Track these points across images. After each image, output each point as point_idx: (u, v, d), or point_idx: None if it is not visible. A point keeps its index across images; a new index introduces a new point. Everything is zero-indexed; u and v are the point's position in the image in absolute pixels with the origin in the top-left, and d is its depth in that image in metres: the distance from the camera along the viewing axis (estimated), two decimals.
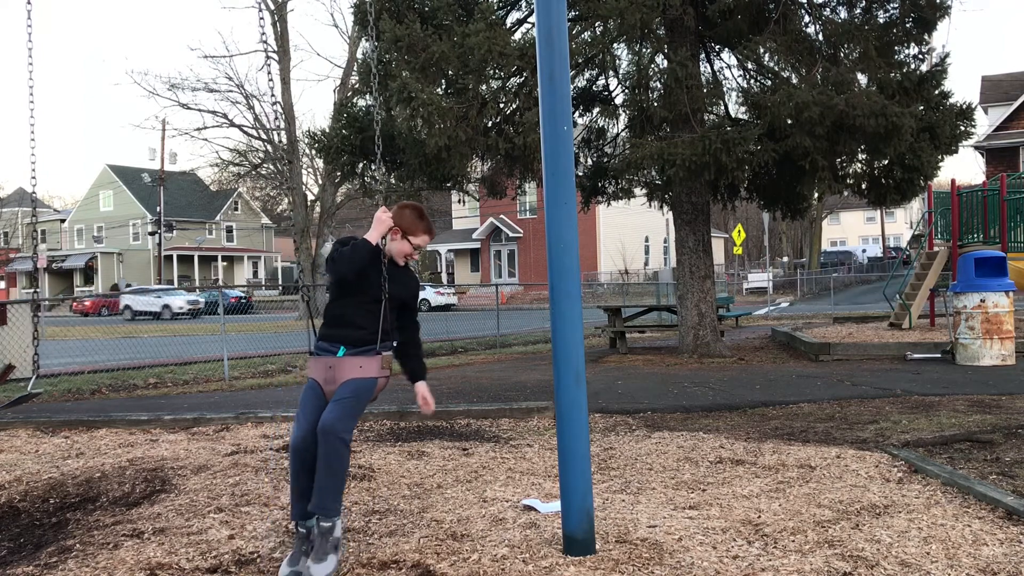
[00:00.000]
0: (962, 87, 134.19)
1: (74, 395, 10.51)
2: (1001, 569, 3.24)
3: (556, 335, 3.64)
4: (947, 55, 11.82)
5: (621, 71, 12.19)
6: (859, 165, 12.35)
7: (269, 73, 4.52)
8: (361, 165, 12.63)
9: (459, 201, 48.54)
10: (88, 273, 60.93)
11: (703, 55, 12.89)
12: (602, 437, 6.36)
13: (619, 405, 7.98)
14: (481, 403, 8.23)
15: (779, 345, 14.26)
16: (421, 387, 3.87)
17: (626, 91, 11.64)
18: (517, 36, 11.66)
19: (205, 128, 40.16)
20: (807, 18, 12.03)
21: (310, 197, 35.15)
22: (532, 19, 11.90)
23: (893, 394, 8.11)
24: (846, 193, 13.55)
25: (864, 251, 64.70)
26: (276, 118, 28.68)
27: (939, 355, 11.18)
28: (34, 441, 6.92)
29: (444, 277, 56.05)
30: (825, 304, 31.67)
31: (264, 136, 33.86)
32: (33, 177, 4.26)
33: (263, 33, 3.94)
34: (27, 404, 7.49)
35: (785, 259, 60.24)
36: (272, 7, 31.22)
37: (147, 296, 37.55)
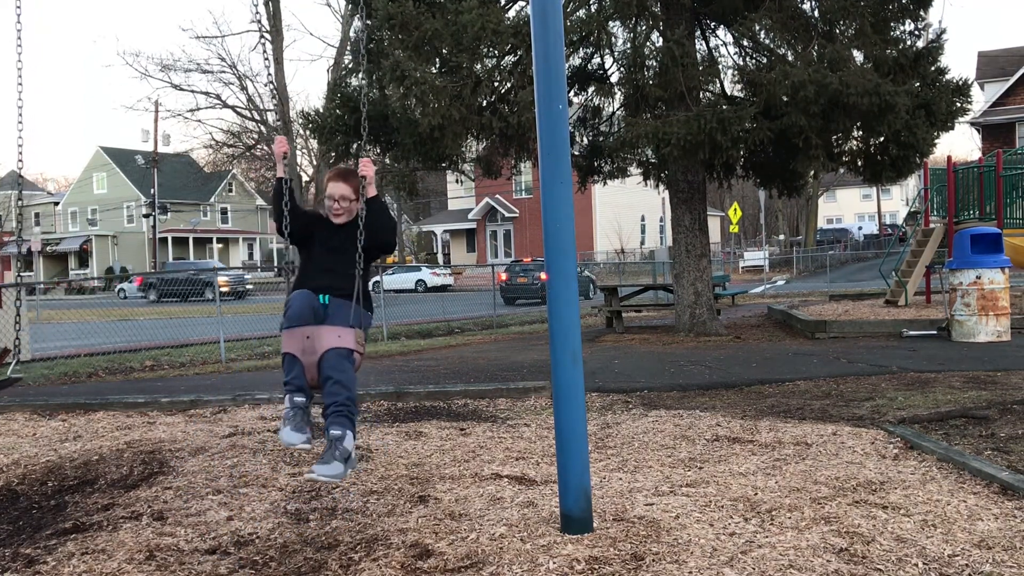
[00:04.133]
0: (958, 63, 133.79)
1: (71, 378, 10.50)
2: (996, 544, 3.26)
3: (552, 315, 3.63)
4: (943, 31, 11.78)
5: (616, 49, 12.11)
6: (854, 143, 12.31)
7: (265, 54, 4.51)
8: (355, 145, 12.57)
9: (456, 181, 48.41)
10: (83, 256, 60.75)
11: (699, 33, 12.82)
12: (599, 416, 6.37)
13: (616, 384, 7.99)
14: (478, 383, 8.24)
15: (775, 323, 14.29)
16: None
17: (621, 69, 11.57)
18: (511, 14, 11.58)
19: (199, 109, 40.04)
20: None
21: (304, 178, 35.03)
22: None
23: (889, 371, 8.14)
24: (842, 171, 13.53)
25: (860, 228, 64.74)
26: (274, 95, 28.60)
27: (935, 332, 11.21)
28: (31, 424, 6.92)
29: (440, 258, 56.00)
30: (821, 282, 31.73)
31: (258, 117, 33.69)
32: (20, 161, 4.23)
33: (257, 12, 3.92)
34: (21, 388, 7.48)
35: (781, 237, 60.25)
36: None
37: None
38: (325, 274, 4.13)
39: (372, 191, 4.22)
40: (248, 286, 35.83)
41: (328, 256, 4.17)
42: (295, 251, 4.46)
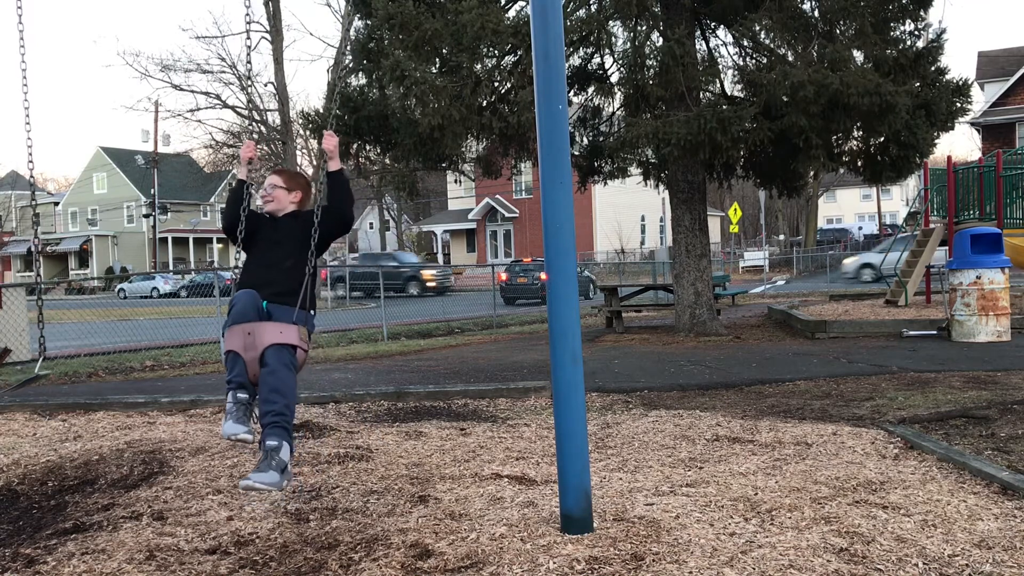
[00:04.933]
0: (959, 63, 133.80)
1: (71, 378, 10.50)
2: (996, 544, 3.26)
3: (552, 315, 3.63)
4: (943, 31, 11.77)
5: (616, 49, 12.11)
6: (854, 143, 12.31)
7: (248, 40, 4.51)
8: (355, 145, 12.57)
9: (455, 181, 48.41)
10: (83, 256, 60.76)
11: (699, 33, 12.82)
12: (599, 416, 6.37)
13: (616, 384, 7.99)
14: (478, 383, 8.24)
15: (775, 323, 14.28)
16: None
17: (621, 69, 11.56)
18: (511, 13, 11.57)
19: (199, 109, 39.89)
20: None
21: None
22: None
23: (889, 371, 8.14)
24: (842, 171, 13.53)
25: (860, 228, 64.68)
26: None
27: (935, 332, 11.20)
28: (31, 424, 6.91)
29: (440, 258, 55.99)
30: (821, 282, 31.73)
31: (258, 117, 33.66)
32: (30, 162, 4.23)
33: (248, 11, 3.94)
34: (24, 387, 7.49)
35: (781, 237, 60.23)
36: None
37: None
38: (266, 270, 4.10)
39: (335, 164, 4.26)
40: (451, 280, 33.82)
41: (269, 250, 4.15)
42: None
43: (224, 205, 4.28)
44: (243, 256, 4.25)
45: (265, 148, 34.95)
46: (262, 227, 4.28)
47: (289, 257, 4.08)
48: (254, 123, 34.00)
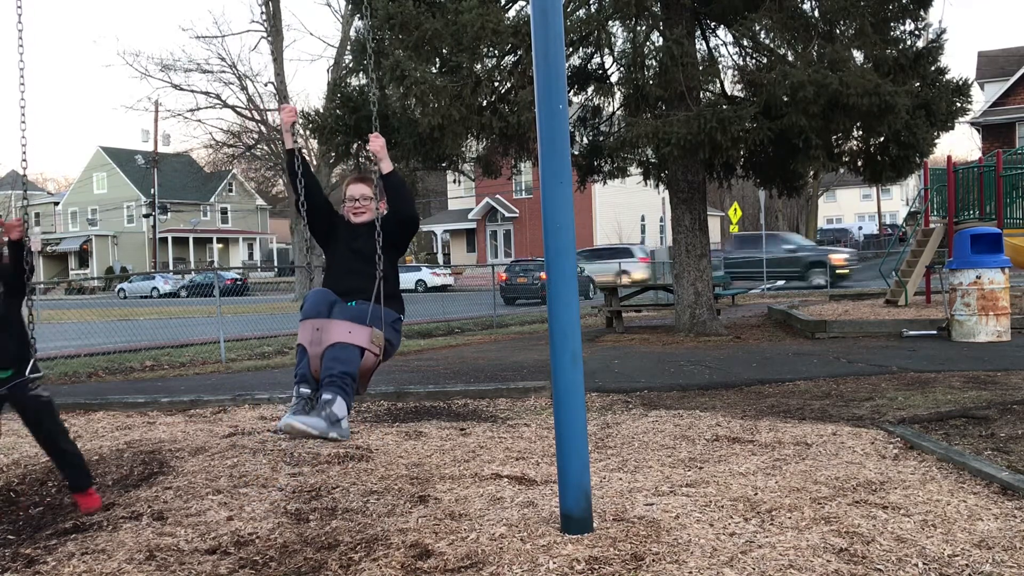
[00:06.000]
0: (959, 63, 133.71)
1: (70, 378, 10.50)
2: (996, 544, 3.26)
3: (552, 315, 3.63)
4: (943, 31, 11.76)
5: (616, 49, 12.10)
6: (854, 143, 12.31)
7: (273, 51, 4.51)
8: (355, 145, 12.57)
9: (454, 181, 48.36)
10: (83, 256, 60.75)
11: (699, 33, 12.81)
12: (599, 416, 6.37)
13: (616, 384, 7.99)
14: (478, 383, 8.24)
15: (775, 323, 14.28)
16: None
17: (621, 69, 11.56)
18: (511, 14, 11.57)
19: (199, 109, 39.88)
20: None
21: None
22: None
23: (889, 371, 8.14)
24: (842, 171, 13.52)
25: (860, 228, 64.70)
26: (275, 93, 28.62)
27: (935, 332, 11.20)
28: None
29: (440, 257, 55.98)
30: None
31: (258, 117, 33.68)
32: (24, 161, 4.22)
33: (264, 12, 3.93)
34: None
35: None
36: None
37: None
38: (350, 276, 4.07)
39: (387, 166, 4.10)
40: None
41: (352, 258, 4.09)
42: (300, 251, 4.43)
43: (287, 182, 4.35)
44: (318, 253, 4.23)
45: (265, 148, 34.97)
46: (339, 229, 4.21)
47: (371, 264, 3.99)
48: (254, 123, 34.01)
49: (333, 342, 3.80)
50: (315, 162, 34.62)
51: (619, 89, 12.10)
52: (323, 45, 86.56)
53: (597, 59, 13.09)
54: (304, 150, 36.49)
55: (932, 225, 15.22)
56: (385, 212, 4.18)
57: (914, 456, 4.68)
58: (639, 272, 27.07)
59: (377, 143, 4.10)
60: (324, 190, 4.43)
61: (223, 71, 38.88)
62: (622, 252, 29.00)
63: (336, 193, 38.05)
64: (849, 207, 78.68)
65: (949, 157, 15.31)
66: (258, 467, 4.91)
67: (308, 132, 13.21)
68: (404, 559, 3.31)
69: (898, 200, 73.18)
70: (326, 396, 3.70)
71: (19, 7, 4.05)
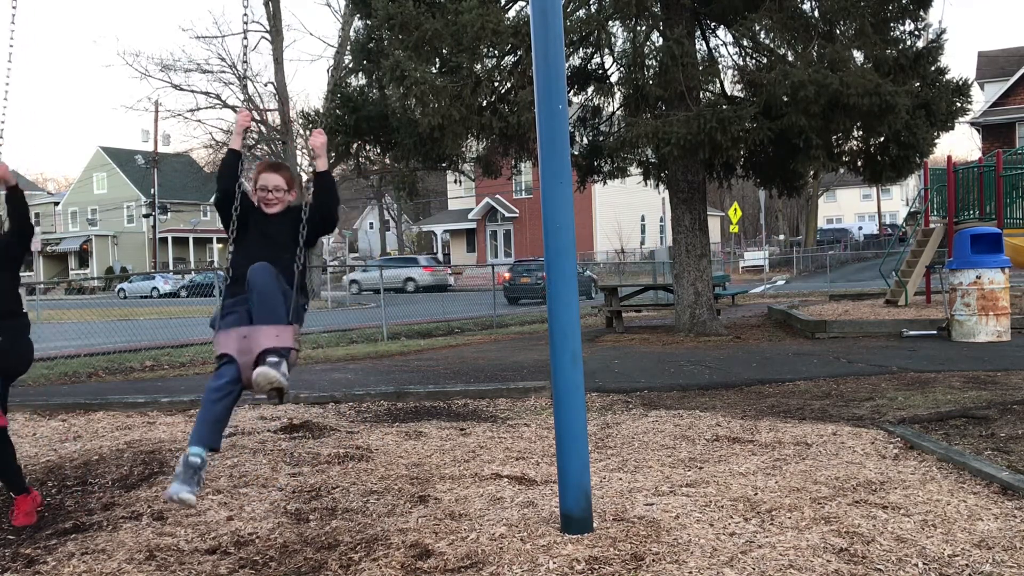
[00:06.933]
0: (959, 63, 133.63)
1: (71, 378, 10.50)
2: (996, 543, 3.26)
3: (552, 315, 3.63)
4: (943, 31, 11.76)
5: (616, 49, 12.10)
6: (854, 143, 12.31)
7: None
8: (355, 145, 12.57)
9: (455, 181, 48.34)
10: (83, 256, 60.74)
11: (699, 33, 12.81)
12: (599, 416, 6.37)
13: (616, 384, 7.99)
14: (478, 383, 8.24)
15: (775, 323, 14.28)
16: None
17: (621, 69, 11.56)
18: (511, 14, 11.57)
19: (199, 109, 39.77)
20: None
21: (305, 177, 34.93)
22: None
23: (889, 371, 8.14)
24: (842, 171, 13.52)
25: (860, 228, 64.70)
26: (275, 93, 28.50)
27: (935, 332, 11.20)
28: (31, 424, 6.92)
29: (440, 257, 55.96)
30: (821, 282, 31.70)
31: (258, 117, 33.65)
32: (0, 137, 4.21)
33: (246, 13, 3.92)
34: (21, 387, 7.48)
35: (781, 237, 60.22)
36: None
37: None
38: (261, 262, 3.96)
39: (323, 164, 4.12)
40: None
41: (263, 244, 4.00)
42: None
43: (218, 177, 4.10)
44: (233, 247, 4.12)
45: (265, 148, 34.95)
46: (252, 217, 4.10)
47: (283, 253, 3.95)
48: (254, 123, 33.96)
49: (264, 348, 3.70)
50: None
51: (619, 89, 12.10)
52: (323, 45, 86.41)
53: (597, 59, 13.10)
54: (304, 150, 36.53)
55: (932, 225, 15.23)
56: (306, 205, 4.07)
57: (914, 456, 4.68)
58: (425, 279, 35.81)
59: (319, 139, 4.11)
60: None
61: (223, 71, 38.83)
62: (410, 261, 37.60)
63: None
64: (849, 207, 78.70)
65: (949, 157, 15.31)
66: (258, 467, 4.91)
67: (308, 132, 13.21)
68: (404, 559, 3.31)
69: (898, 200, 73.19)
70: (272, 359, 3.65)
71: (14, 6, 4.05)
